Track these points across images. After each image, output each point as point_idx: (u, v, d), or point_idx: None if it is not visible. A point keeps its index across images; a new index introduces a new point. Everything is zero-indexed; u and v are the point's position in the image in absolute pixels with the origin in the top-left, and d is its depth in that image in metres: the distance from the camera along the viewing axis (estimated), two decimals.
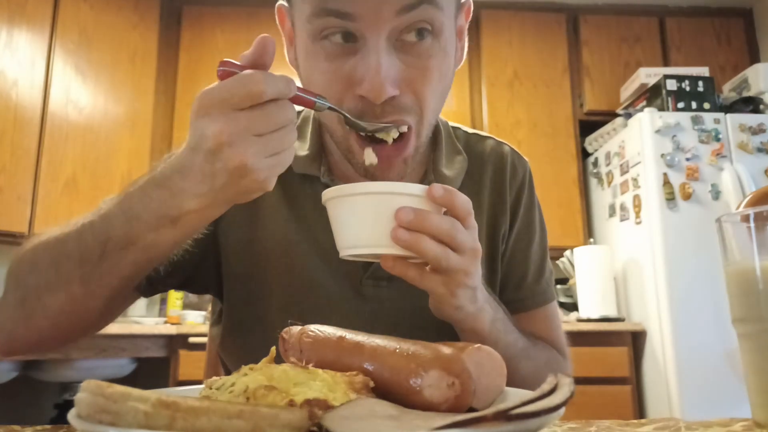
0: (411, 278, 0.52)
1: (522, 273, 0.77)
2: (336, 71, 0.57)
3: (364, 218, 0.50)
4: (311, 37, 0.58)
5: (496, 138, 0.82)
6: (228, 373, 0.80)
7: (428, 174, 0.74)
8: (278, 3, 0.68)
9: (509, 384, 0.44)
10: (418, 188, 0.50)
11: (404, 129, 0.60)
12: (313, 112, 0.76)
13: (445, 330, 0.60)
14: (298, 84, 0.51)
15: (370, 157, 0.59)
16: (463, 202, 0.51)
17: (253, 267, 0.70)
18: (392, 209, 0.49)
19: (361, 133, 0.59)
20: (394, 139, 0.60)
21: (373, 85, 0.54)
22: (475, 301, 0.56)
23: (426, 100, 0.60)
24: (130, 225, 0.50)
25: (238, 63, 0.49)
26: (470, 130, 0.83)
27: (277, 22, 0.68)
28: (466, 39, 0.69)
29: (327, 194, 0.52)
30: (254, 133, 0.45)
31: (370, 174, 0.62)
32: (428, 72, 0.59)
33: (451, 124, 0.81)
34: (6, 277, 0.60)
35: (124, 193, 0.53)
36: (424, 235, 0.48)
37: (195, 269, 0.70)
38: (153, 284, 0.68)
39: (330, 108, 0.53)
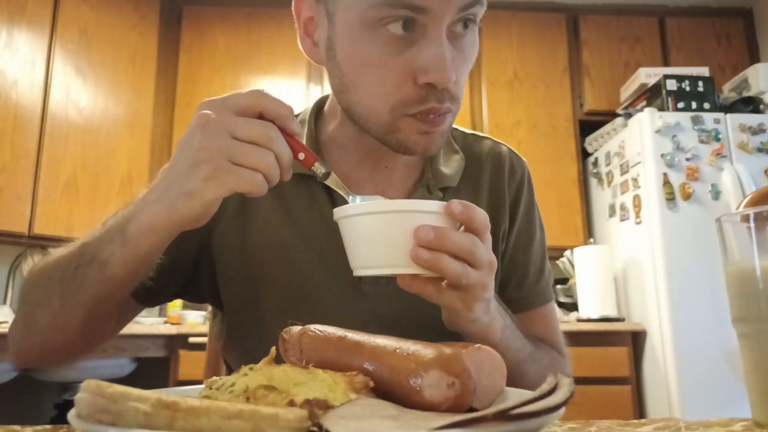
0: (428, 295, 0.52)
1: (523, 272, 0.77)
2: (394, 60, 0.58)
3: (381, 238, 0.49)
4: (367, 24, 0.58)
5: (494, 139, 0.83)
6: (231, 372, 0.80)
7: (426, 173, 0.74)
8: None
9: (515, 387, 0.44)
10: (436, 205, 0.49)
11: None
12: (308, 114, 0.76)
13: (446, 329, 0.60)
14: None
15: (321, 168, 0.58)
16: (482, 217, 0.51)
17: (249, 270, 0.70)
18: (410, 228, 0.48)
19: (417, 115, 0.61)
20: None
21: (442, 72, 0.56)
22: (489, 311, 0.56)
23: (462, 86, 0.63)
24: (100, 241, 0.53)
25: None
26: (467, 131, 0.83)
27: (293, 11, 0.67)
28: None
29: (340, 213, 0.51)
30: (229, 130, 0.47)
31: (408, 149, 0.63)
32: (468, 61, 0.62)
33: None
34: (19, 293, 0.65)
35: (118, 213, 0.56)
36: (444, 253, 0.48)
37: (190, 281, 0.71)
38: (151, 295, 0.68)
39: (328, 173, 0.54)
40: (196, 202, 0.48)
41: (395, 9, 0.56)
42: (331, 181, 0.56)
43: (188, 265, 0.70)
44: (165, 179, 0.50)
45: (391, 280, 0.69)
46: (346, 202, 0.71)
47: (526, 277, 0.78)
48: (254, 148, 0.48)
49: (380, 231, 0.49)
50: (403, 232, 0.48)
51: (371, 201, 0.51)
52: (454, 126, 0.82)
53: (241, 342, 0.73)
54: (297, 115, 0.79)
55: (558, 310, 2.61)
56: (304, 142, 0.73)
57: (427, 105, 0.59)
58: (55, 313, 0.56)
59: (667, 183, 2.36)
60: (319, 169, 0.54)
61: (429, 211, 0.49)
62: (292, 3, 0.67)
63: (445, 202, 0.49)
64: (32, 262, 2.57)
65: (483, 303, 0.54)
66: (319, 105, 0.79)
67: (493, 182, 0.78)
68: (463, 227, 0.51)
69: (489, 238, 0.52)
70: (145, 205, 0.50)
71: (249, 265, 0.70)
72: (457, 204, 0.49)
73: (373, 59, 0.59)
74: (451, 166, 0.75)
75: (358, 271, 0.52)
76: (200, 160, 0.47)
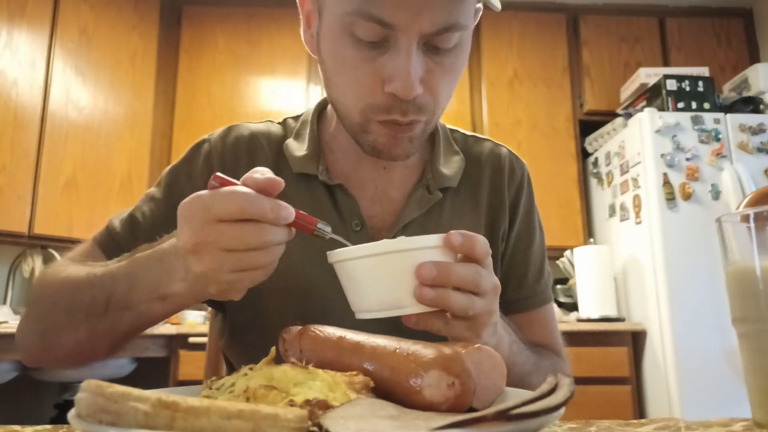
0: (436, 330, 0.51)
1: (523, 272, 0.78)
2: (366, 65, 0.59)
3: (381, 280, 0.48)
4: (344, 28, 0.59)
5: (494, 140, 0.83)
6: (232, 371, 0.81)
7: (426, 173, 0.74)
8: None
9: None
10: (435, 239, 0.48)
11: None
12: (311, 114, 0.77)
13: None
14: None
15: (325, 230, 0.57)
16: (483, 245, 0.50)
17: None
18: (411, 267, 0.46)
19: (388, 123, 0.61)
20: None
21: (405, 84, 0.57)
22: (496, 333, 0.56)
23: (441, 99, 0.63)
24: (130, 291, 0.54)
25: (230, 179, 0.47)
26: (468, 133, 0.84)
27: (297, 1, 0.69)
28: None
29: (335, 256, 0.50)
30: (222, 247, 0.45)
31: (377, 151, 0.64)
32: (448, 75, 0.61)
33: (448, 126, 0.82)
34: (28, 303, 0.67)
35: (133, 256, 0.56)
36: (449, 288, 0.47)
37: None
38: None
39: (332, 238, 0.51)
40: (225, 297, 0.50)
41: (366, 21, 0.56)
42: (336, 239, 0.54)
43: None
44: (184, 267, 0.49)
45: None
46: (348, 202, 0.71)
47: (525, 278, 0.78)
48: (255, 253, 0.46)
49: (380, 273, 0.48)
50: (403, 272, 0.47)
51: (367, 243, 0.48)
52: (454, 128, 0.83)
53: (243, 341, 0.73)
54: (299, 116, 0.80)
55: (558, 310, 2.61)
56: (306, 143, 0.74)
57: (390, 116, 0.60)
58: (82, 341, 0.59)
59: (667, 183, 2.36)
60: (321, 232, 0.51)
61: (428, 246, 0.47)
62: None
63: (443, 235, 0.48)
64: (32, 262, 2.57)
65: (490, 327, 0.53)
66: (322, 105, 0.79)
67: (492, 183, 0.78)
68: (463, 257, 0.50)
69: (490, 262, 0.52)
70: (178, 280, 0.50)
71: None
72: (456, 236, 0.48)
73: (348, 61, 0.60)
74: (451, 167, 0.75)
75: (361, 315, 0.51)
76: (208, 282, 0.47)
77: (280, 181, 0.47)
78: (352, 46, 0.59)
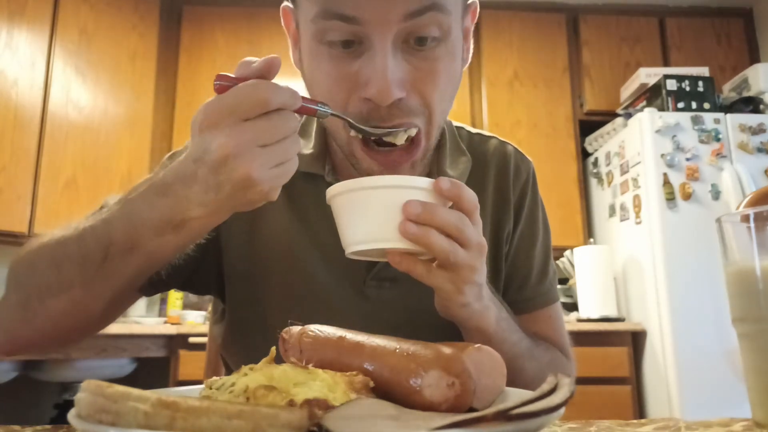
0: (418, 274, 0.51)
1: (525, 273, 0.77)
2: (340, 73, 0.57)
3: (371, 213, 0.49)
4: (315, 37, 0.57)
5: (500, 138, 0.82)
6: (230, 372, 0.80)
7: (432, 174, 0.73)
8: (283, 4, 0.67)
9: (514, 385, 0.44)
10: (425, 181, 0.49)
11: (413, 132, 0.59)
12: None
13: (448, 331, 0.59)
14: (303, 93, 0.51)
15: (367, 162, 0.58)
16: (470, 196, 0.51)
17: (254, 267, 0.70)
18: (399, 203, 0.48)
19: (370, 137, 0.58)
20: (403, 142, 0.59)
21: (380, 87, 0.53)
22: (481, 298, 0.56)
23: (433, 102, 0.59)
24: (134, 230, 0.50)
25: (234, 76, 0.48)
26: (473, 130, 0.82)
27: (282, 23, 0.68)
28: (472, 39, 0.69)
29: (331, 191, 0.52)
30: (260, 143, 0.45)
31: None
32: (435, 74, 0.58)
33: (455, 123, 0.81)
34: (7, 278, 0.60)
35: (125, 198, 0.53)
36: (433, 228, 0.48)
37: (195, 270, 0.70)
38: (154, 284, 0.68)
39: (333, 114, 0.53)
40: (259, 202, 0.49)
41: (329, 20, 0.54)
42: (341, 119, 0.55)
43: (197, 255, 0.70)
44: (206, 185, 0.46)
45: (394, 282, 0.69)
46: None
47: (528, 279, 0.77)
48: (285, 143, 0.47)
49: (370, 206, 0.49)
50: (392, 207, 0.48)
51: (361, 177, 0.50)
52: (460, 125, 0.81)
53: (243, 339, 0.73)
54: None
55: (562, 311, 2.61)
56: (312, 141, 0.72)
57: (369, 124, 0.56)
58: (76, 300, 0.55)
59: (667, 183, 2.36)
60: (323, 114, 0.52)
61: (418, 187, 0.49)
62: (281, 14, 0.67)
63: (434, 179, 0.49)
64: None
65: (474, 287, 0.53)
66: None
67: (498, 183, 0.77)
68: (453, 207, 0.51)
69: (479, 220, 0.52)
70: (192, 204, 0.48)
71: (255, 260, 0.70)
72: (445, 181, 0.49)
73: (323, 73, 0.58)
74: (457, 168, 0.74)
75: (350, 248, 0.52)
76: (252, 184, 0.46)
77: (278, 59, 0.48)
78: (325, 55, 0.57)
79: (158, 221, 0.49)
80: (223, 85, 0.47)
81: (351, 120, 0.56)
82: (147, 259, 0.52)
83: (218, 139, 0.45)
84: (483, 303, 0.56)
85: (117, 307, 0.61)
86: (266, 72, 0.48)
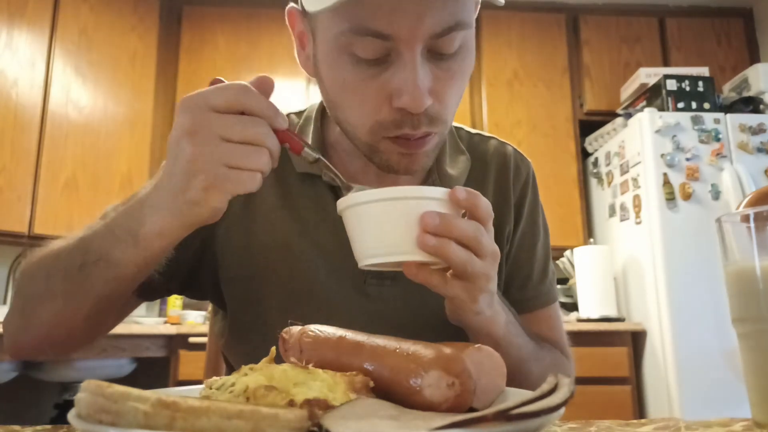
0: (434, 285, 0.51)
1: (527, 273, 0.77)
2: (369, 84, 0.57)
3: (386, 225, 0.48)
4: (342, 49, 0.57)
5: (499, 138, 0.82)
6: (232, 371, 0.80)
7: (432, 173, 0.74)
8: (289, 6, 0.66)
9: (520, 387, 0.44)
10: (441, 191, 0.49)
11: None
12: (315, 111, 0.76)
13: (450, 329, 0.60)
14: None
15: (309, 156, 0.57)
16: (486, 205, 0.51)
17: (252, 269, 0.70)
18: (415, 215, 0.47)
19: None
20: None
21: (414, 97, 0.55)
22: (492, 304, 0.56)
23: (450, 107, 0.60)
24: (104, 239, 0.52)
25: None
26: (473, 131, 0.83)
27: (288, 24, 0.67)
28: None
29: (343, 203, 0.51)
30: (220, 134, 0.46)
31: (392, 168, 0.62)
32: (455, 81, 0.59)
33: (455, 124, 0.81)
34: (14, 285, 0.61)
35: (115, 209, 0.55)
36: (450, 240, 0.48)
37: (192, 275, 0.71)
38: (153, 289, 0.68)
39: (317, 160, 0.53)
40: (203, 210, 0.48)
41: (362, 36, 0.54)
42: (322, 168, 0.55)
43: (191, 261, 0.70)
44: (166, 185, 0.49)
45: (395, 281, 0.69)
46: None
47: (530, 279, 0.77)
48: (248, 149, 0.47)
49: (385, 218, 0.48)
50: (408, 219, 0.48)
51: (374, 189, 0.50)
52: (460, 125, 0.82)
53: (244, 341, 0.73)
54: (302, 112, 0.79)
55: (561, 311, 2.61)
56: (309, 140, 0.73)
57: (401, 131, 0.58)
58: (59, 310, 0.56)
59: (667, 183, 2.36)
60: (308, 155, 0.53)
61: (434, 197, 0.48)
62: (286, 15, 0.67)
63: (449, 189, 0.49)
64: None
65: (487, 295, 0.53)
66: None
67: (498, 183, 0.77)
68: (467, 215, 0.51)
69: (492, 228, 0.52)
70: (152, 209, 0.50)
71: (253, 263, 0.70)
72: (461, 191, 0.49)
73: (350, 83, 0.58)
74: (457, 168, 0.75)
75: (364, 261, 0.51)
76: (196, 171, 0.46)
77: (271, 79, 0.50)
78: (352, 67, 0.57)
79: (121, 229, 0.51)
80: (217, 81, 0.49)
81: (339, 175, 0.56)
82: (111, 271, 0.53)
83: (183, 117, 0.47)
84: (494, 309, 0.56)
85: (98, 323, 0.61)
86: (257, 87, 0.49)
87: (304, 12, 0.62)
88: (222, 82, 0.49)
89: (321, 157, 0.54)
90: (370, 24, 0.53)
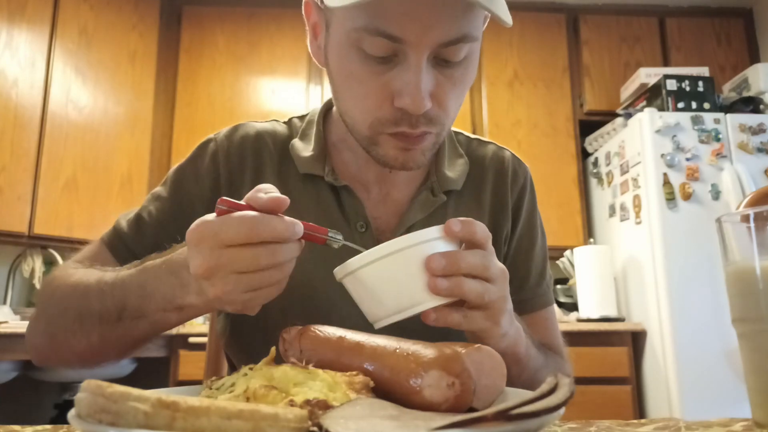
0: (456, 324, 0.50)
1: (524, 275, 0.78)
2: (374, 80, 0.59)
3: (393, 282, 0.47)
4: (352, 43, 0.58)
5: (498, 144, 0.84)
6: (233, 370, 0.81)
7: (431, 176, 0.74)
8: None
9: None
10: (435, 231, 0.48)
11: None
12: (317, 114, 0.77)
13: (448, 331, 0.60)
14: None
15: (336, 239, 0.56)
16: (482, 229, 0.50)
17: None
18: (418, 262, 0.47)
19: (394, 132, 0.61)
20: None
21: (414, 99, 0.56)
22: (513, 322, 0.56)
23: (450, 111, 0.62)
24: (143, 300, 0.54)
25: (236, 202, 0.47)
26: (472, 135, 0.84)
27: (303, 12, 0.69)
28: None
29: (343, 270, 0.49)
30: (234, 270, 0.45)
31: (388, 163, 0.63)
32: (457, 89, 0.61)
33: (453, 129, 0.82)
34: (36, 304, 0.67)
35: (143, 265, 0.56)
36: (461, 276, 0.48)
37: None
38: None
39: (345, 244, 0.51)
40: (243, 312, 0.50)
41: (373, 36, 0.56)
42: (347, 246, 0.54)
43: None
44: (198, 287, 0.49)
45: None
46: (353, 204, 0.71)
47: (527, 281, 0.78)
48: (269, 273, 0.46)
49: (390, 275, 0.47)
50: (412, 269, 0.47)
51: (369, 249, 0.48)
52: (458, 130, 0.83)
53: (245, 340, 0.73)
54: (305, 116, 0.80)
55: (558, 310, 2.61)
56: (312, 143, 0.74)
57: (400, 128, 0.60)
58: (96, 346, 0.60)
59: (667, 183, 2.36)
60: (333, 241, 0.51)
61: (431, 238, 0.48)
62: (303, 5, 0.68)
63: (442, 225, 0.49)
64: (32, 262, 2.57)
65: (507, 315, 0.53)
66: (328, 106, 0.79)
67: (495, 187, 0.78)
68: (465, 245, 0.51)
69: (492, 248, 0.52)
70: (191, 291, 0.50)
71: None
72: (455, 223, 0.49)
73: (356, 76, 0.60)
74: (455, 170, 0.76)
75: (380, 323, 0.50)
76: (224, 303, 0.48)
77: (285, 199, 0.47)
78: (360, 61, 0.58)
79: (163, 299, 0.52)
80: (222, 210, 0.46)
81: (356, 246, 0.54)
82: (153, 327, 0.56)
83: (197, 258, 0.46)
84: (515, 326, 0.57)
85: (132, 352, 0.65)
86: (270, 209, 0.47)
87: (320, 4, 0.64)
88: (229, 202, 0.47)
89: (346, 242, 0.52)
90: (382, 25, 0.55)
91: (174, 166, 0.77)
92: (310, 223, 0.49)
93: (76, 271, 0.64)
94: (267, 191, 0.47)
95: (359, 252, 0.50)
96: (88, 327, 0.59)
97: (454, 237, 0.49)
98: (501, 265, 0.52)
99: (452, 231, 0.48)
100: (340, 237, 0.51)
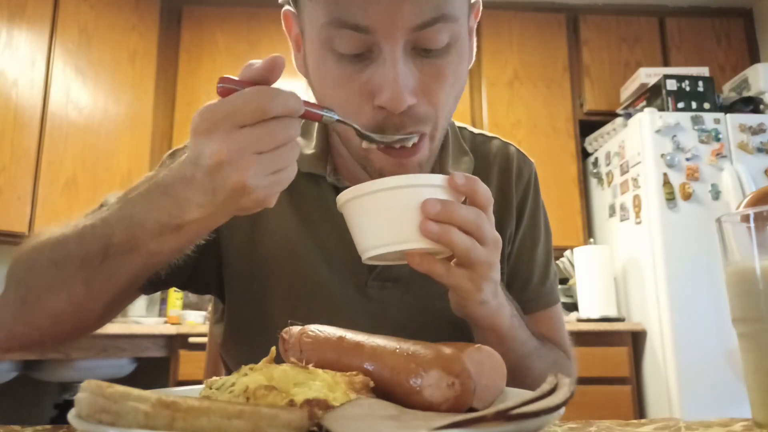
0: (438, 275, 0.50)
1: (527, 274, 0.77)
2: (351, 82, 0.56)
3: (388, 215, 0.48)
4: (323, 45, 0.56)
5: (502, 138, 0.82)
6: (229, 373, 0.80)
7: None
8: (284, 8, 0.66)
9: (521, 383, 0.44)
10: (440, 178, 0.48)
11: (415, 139, 0.59)
12: None
13: (451, 330, 0.60)
14: (305, 97, 0.49)
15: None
16: (485, 191, 0.50)
17: (255, 267, 0.70)
18: (416, 202, 0.47)
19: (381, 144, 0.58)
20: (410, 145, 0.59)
21: (393, 95, 0.53)
22: (497, 295, 0.55)
23: (441, 106, 0.59)
24: (133, 231, 0.50)
25: (237, 79, 0.47)
26: (476, 131, 0.82)
27: (284, 27, 0.67)
28: (475, 38, 0.69)
29: (343, 197, 0.50)
30: (255, 151, 0.44)
31: (380, 176, 0.60)
32: (444, 79, 0.57)
33: (458, 124, 0.81)
34: (6, 276, 0.60)
35: (125, 198, 0.53)
36: (453, 226, 0.48)
37: (195, 270, 0.70)
38: (154, 283, 0.68)
39: (339, 121, 0.51)
40: (256, 208, 0.48)
41: (340, 29, 0.53)
42: (342, 124, 0.53)
43: (195, 258, 0.69)
44: (204, 188, 0.45)
45: (396, 283, 0.69)
46: None
47: (530, 280, 0.77)
48: (283, 150, 0.45)
49: (385, 208, 0.48)
50: (409, 207, 0.47)
51: (374, 181, 0.49)
52: (463, 125, 0.81)
53: (244, 339, 0.73)
54: None
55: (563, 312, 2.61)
56: (314, 141, 0.72)
57: (386, 135, 0.56)
58: (78, 297, 0.54)
59: (667, 183, 2.36)
60: (329, 119, 0.50)
61: (433, 184, 0.48)
62: (282, 19, 0.66)
63: (448, 176, 0.49)
64: None
65: (491, 284, 0.53)
66: None
67: (500, 184, 0.77)
68: (467, 202, 0.50)
69: (492, 216, 0.52)
70: (189, 202, 0.47)
71: (256, 261, 0.70)
72: (460, 176, 0.48)
73: (334, 80, 0.57)
74: (460, 168, 0.74)
75: (367, 254, 0.50)
76: (245, 191, 0.44)
77: (281, 59, 0.46)
78: (335, 63, 0.56)
79: (157, 222, 0.49)
80: (226, 88, 0.45)
81: (357, 127, 0.55)
82: (146, 259, 0.52)
83: (212, 145, 0.44)
84: (498, 300, 0.56)
85: (116, 307, 0.61)
86: (269, 73, 0.46)
87: (297, 12, 0.62)
88: (231, 80, 0.46)
89: (340, 118, 0.51)
90: (345, 15, 0.52)
91: (170, 150, 0.75)
92: (308, 101, 0.49)
93: (43, 233, 0.58)
94: (256, 62, 0.47)
95: (353, 128, 0.53)
96: (67, 274, 0.53)
97: (456, 189, 0.49)
98: (496, 233, 0.52)
99: (455, 183, 0.48)
100: (334, 115, 0.51)
